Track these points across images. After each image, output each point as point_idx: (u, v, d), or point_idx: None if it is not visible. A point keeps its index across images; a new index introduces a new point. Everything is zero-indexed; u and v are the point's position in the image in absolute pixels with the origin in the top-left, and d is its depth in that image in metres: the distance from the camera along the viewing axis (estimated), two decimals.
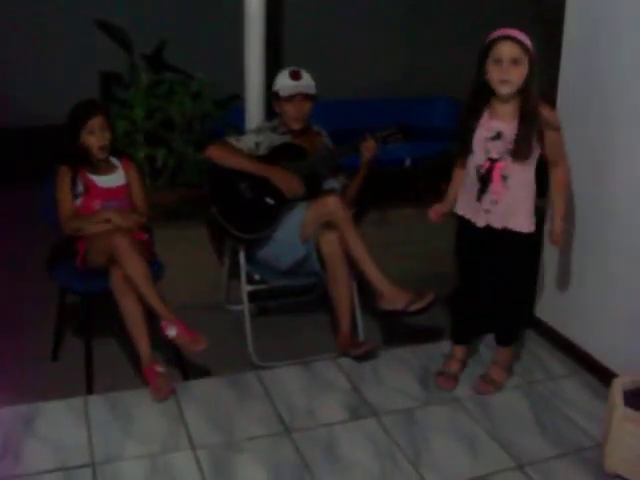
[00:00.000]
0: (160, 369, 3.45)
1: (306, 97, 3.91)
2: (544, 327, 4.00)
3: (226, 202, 3.82)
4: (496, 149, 3.18)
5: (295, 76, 3.90)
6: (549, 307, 3.99)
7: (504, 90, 3.12)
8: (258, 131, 4.00)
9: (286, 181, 3.82)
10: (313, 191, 3.89)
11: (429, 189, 4.71)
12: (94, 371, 3.56)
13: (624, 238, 3.44)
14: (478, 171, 3.24)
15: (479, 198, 3.26)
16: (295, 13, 6.75)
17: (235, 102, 4.76)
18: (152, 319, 3.46)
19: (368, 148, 3.89)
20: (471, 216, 3.32)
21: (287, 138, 3.95)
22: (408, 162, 5.15)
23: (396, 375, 3.66)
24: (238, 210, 3.82)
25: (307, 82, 3.92)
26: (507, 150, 3.16)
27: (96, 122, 3.61)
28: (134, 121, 4.52)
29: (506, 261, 3.38)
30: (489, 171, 3.21)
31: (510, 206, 3.25)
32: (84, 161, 3.66)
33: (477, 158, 3.23)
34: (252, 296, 3.96)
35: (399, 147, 5.04)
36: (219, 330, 4.00)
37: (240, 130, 4.31)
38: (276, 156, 3.88)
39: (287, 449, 3.12)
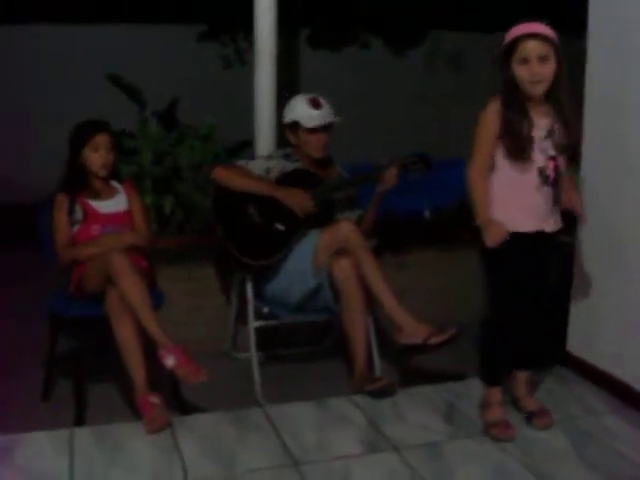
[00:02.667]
0: (155, 400, 3.13)
1: (328, 127, 3.71)
2: (577, 361, 3.66)
3: (233, 226, 3.58)
4: (551, 147, 2.98)
5: (316, 104, 3.69)
6: (580, 340, 3.68)
7: (537, 90, 2.92)
8: (269, 157, 3.79)
9: (296, 198, 3.59)
10: (326, 219, 3.64)
11: (449, 236, 4.53)
12: (86, 406, 3.25)
13: None
14: (542, 173, 2.98)
15: (549, 202, 3.02)
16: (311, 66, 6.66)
17: (246, 149, 4.60)
18: (150, 347, 3.16)
19: (389, 178, 3.63)
20: (536, 225, 3.02)
21: (299, 165, 3.74)
22: (427, 214, 4.91)
23: (418, 411, 3.30)
24: (246, 235, 3.57)
25: (329, 110, 3.72)
26: (557, 147, 2.97)
27: (102, 139, 3.44)
28: (142, 166, 4.35)
29: (551, 265, 3.16)
30: (555, 171, 2.99)
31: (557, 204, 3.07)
32: (83, 186, 3.47)
33: (538, 160, 2.97)
34: (261, 341, 3.66)
35: (418, 198, 4.92)
36: (224, 377, 3.68)
37: None
38: (288, 181, 3.66)
39: None
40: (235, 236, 3.56)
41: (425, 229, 4.71)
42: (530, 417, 3.17)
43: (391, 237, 4.16)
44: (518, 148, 2.94)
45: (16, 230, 4.77)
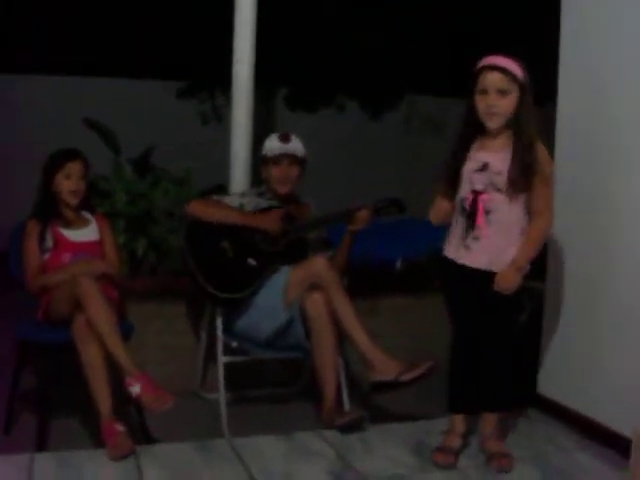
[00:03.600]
0: (120, 427, 3.06)
1: (293, 161, 3.76)
2: (548, 403, 3.63)
3: (205, 260, 3.57)
4: (480, 181, 2.95)
5: (284, 138, 3.77)
6: (552, 382, 3.66)
7: (492, 123, 2.93)
8: (243, 194, 3.83)
9: (267, 219, 3.63)
10: (298, 256, 3.65)
11: (420, 284, 4.55)
12: (48, 434, 3.18)
13: (624, 302, 3.22)
14: (462, 204, 3.00)
15: (464, 234, 3.00)
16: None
17: (220, 193, 4.62)
18: (115, 374, 3.11)
19: (361, 218, 3.66)
20: (454, 254, 3.04)
21: (274, 203, 3.77)
22: (399, 264, 4.93)
23: (387, 445, 3.24)
24: (218, 269, 3.57)
25: (295, 145, 3.78)
26: (491, 182, 2.93)
27: (74, 167, 3.45)
28: (115, 206, 4.35)
29: (491, 309, 3.02)
30: (473, 204, 2.96)
31: (493, 245, 2.96)
32: (54, 214, 3.47)
33: (463, 191, 3.00)
34: (230, 381, 3.61)
35: (389, 248, 4.95)
36: (191, 414, 3.65)
37: None
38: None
39: None
40: (206, 269, 3.55)
41: (396, 277, 4.73)
42: (489, 459, 3.09)
43: (362, 283, 4.16)
44: (445, 173, 3.05)
45: None
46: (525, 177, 2.90)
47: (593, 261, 3.39)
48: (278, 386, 4.06)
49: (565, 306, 3.55)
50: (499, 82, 2.89)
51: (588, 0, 3.46)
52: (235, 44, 4.28)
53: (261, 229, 3.63)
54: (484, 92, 2.91)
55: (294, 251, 3.67)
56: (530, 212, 2.97)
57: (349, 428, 3.32)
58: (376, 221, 3.79)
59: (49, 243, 3.43)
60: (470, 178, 2.97)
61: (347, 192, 4.58)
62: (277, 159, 3.73)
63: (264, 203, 3.76)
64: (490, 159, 2.94)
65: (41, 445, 3.18)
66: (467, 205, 2.98)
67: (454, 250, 3.05)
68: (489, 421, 3.17)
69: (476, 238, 2.97)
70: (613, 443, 3.19)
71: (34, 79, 6.66)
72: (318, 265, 3.51)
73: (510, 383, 3.20)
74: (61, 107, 6.52)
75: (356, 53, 7.32)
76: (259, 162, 3.86)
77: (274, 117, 7.23)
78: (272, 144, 3.78)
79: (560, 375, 3.60)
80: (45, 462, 2.93)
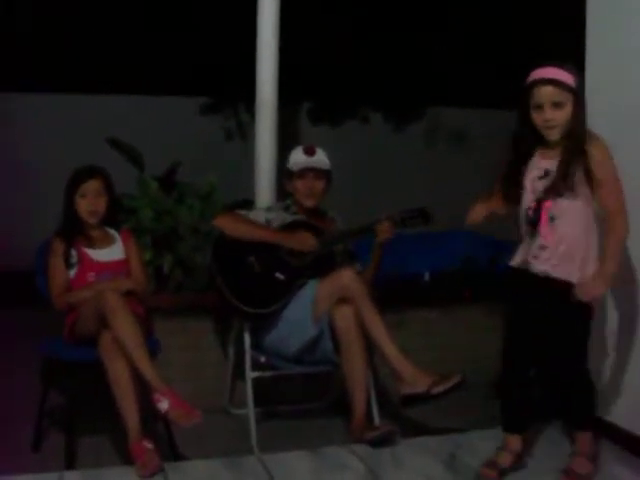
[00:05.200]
0: (148, 445, 3.04)
1: (319, 175, 3.73)
2: (606, 426, 3.44)
3: (233, 275, 3.56)
4: (542, 188, 2.93)
5: (309, 152, 3.75)
6: (607, 403, 3.47)
7: (551, 136, 2.90)
8: (269, 209, 3.82)
9: (299, 239, 3.60)
10: (326, 269, 3.62)
11: (449, 296, 4.50)
12: (76, 453, 3.17)
13: None
14: (527, 214, 2.97)
15: (530, 243, 2.97)
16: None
17: (246, 208, 4.61)
18: (143, 391, 3.10)
19: (384, 230, 3.64)
20: (521, 263, 3.01)
21: (300, 217, 3.75)
22: (427, 276, 4.89)
23: (417, 460, 3.20)
24: (246, 284, 3.55)
25: (321, 158, 3.75)
26: (548, 187, 2.91)
27: (90, 186, 3.46)
28: (141, 222, 4.35)
29: (558, 320, 2.97)
30: (536, 212, 2.93)
31: (559, 251, 2.91)
32: (78, 232, 3.47)
33: (526, 201, 2.97)
34: (258, 396, 3.58)
35: (418, 260, 4.91)
36: (220, 431, 3.63)
37: None
38: (288, 232, 3.67)
39: None
40: (234, 285, 3.53)
41: (424, 289, 4.68)
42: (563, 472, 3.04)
43: (391, 295, 4.12)
44: (504, 189, 3.02)
45: (16, 294, 4.78)
46: (567, 179, 2.87)
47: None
48: (307, 401, 4.02)
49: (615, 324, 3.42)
50: (553, 96, 2.87)
51: (614, 14, 3.41)
52: (258, 62, 4.30)
53: (294, 249, 3.61)
54: (539, 107, 2.89)
55: (321, 264, 3.64)
56: (605, 214, 2.92)
57: (380, 442, 3.28)
58: (402, 232, 3.77)
59: (74, 260, 3.43)
60: (533, 187, 2.95)
61: (371, 205, 4.53)
62: (302, 173, 3.71)
63: (289, 218, 3.73)
64: (549, 165, 2.93)
65: (70, 463, 3.17)
66: (530, 213, 2.95)
67: (521, 259, 3.02)
68: (579, 438, 3.10)
69: (543, 246, 2.94)
70: None
71: (56, 98, 6.69)
72: (346, 278, 3.48)
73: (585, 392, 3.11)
74: (86, 126, 6.55)
75: (379, 65, 7.30)
76: (284, 176, 3.84)
77: (298, 131, 7.21)
78: (297, 158, 3.76)
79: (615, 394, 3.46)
80: None
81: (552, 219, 2.91)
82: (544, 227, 2.92)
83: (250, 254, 3.61)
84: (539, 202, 2.93)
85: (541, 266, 2.94)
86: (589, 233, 2.93)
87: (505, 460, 3.08)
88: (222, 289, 3.52)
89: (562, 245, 2.92)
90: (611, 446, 3.32)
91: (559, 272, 2.92)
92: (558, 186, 2.88)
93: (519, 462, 3.11)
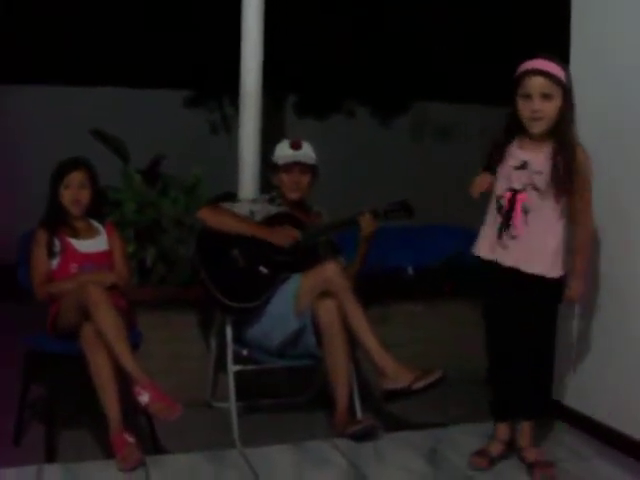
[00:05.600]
0: (129, 438, 3.03)
1: (305, 169, 3.72)
2: (567, 411, 3.56)
3: (217, 269, 3.54)
4: (519, 179, 2.93)
5: (295, 146, 3.73)
6: (569, 390, 3.59)
7: (535, 129, 2.89)
8: (254, 201, 3.80)
9: (280, 234, 3.59)
10: (310, 263, 3.61)
11: (431, 291, 4.51)
12: (57, 446, 3.16)
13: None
14: (498, 202, 2.97)
15: (499, 233, 2.96)
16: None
17: (229, 201, 4.59)
18: (125, 384, 3.08)
19: (367, 223, 3.64)
20: (490, 254, 3.00)
21: (284, 209, 3.74)
22: (411, 270, 4.89)
23: (400, 454, 3.20)
24: (229, 278, 3.53)
25: (307, 152, 3.74)
26: (531, 182, 2.91)
27: (74, 177, 3.44)
28: (124, 214, 4.32)
29: (528, 310, 3.00)
30: (510, 203, 2.93)
31: (530, 245, 2.93)
32: (62, 222, 3.45)
33: (499, 188, 2.97)
34: (240, 390, 3.56)
35: (401, 254, 4.91)
36: (202, 425, 3.62)
37: None
38: (271, 224, 3.66)
39: None
40: (218, 279, 3.52)
41: (408, 283, 4.68)
42: (530, 467, 3.04)
43: (375, 290, 4.13)
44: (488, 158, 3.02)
45: None
46: (568, 178, 2.89)
47: (615, 267, 3.33)
48: (289, 395, 4.01)
49: (584, 314, 3.47)
50: (543, 86, 2.86)
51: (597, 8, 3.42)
52: (242, 53, 4.27)
53: (274, 243, 3.59)
54: (528, 97, 2.88)
55: (305, 258, 3.63)
56: (571, 216, 2.96)
57: (362, 436, 3.28)
58: (385, 225, 3.77)
59: (57, 250, 3.40)
60: (509, 175, 2.95)
61: (357, 199, 4.53)
62: (288, 167, 3.70)
63: (274, 210, 3.72)
64: (529, 157, 2.92)
65: (50, 456, 3.15)
66: (505, 203, 2.95)
67: (489, 248, 3.01)
68: (524, 430, 3.12)
69: (513, 237, 2.94)
70: (634, 451, 3.15)
71: (41, 89, 6.66)
72: (329, 271, 3.48)
73: (546, 388, 3.20)
74: (69, 117, 6.51)
75: (365, 59, 7.30)
76: (269, 168, 3.83)
77: (283, 124, 7.21)
78: (283, 151, 3.74)
79: (577, 382, 3.54)
80: (54, 473, 2.91)
81: (526, 212, 2.92)
82: (517, 218, 2.93)
83: (234, 247, 3.59)
84: (514, 192, 2.93)
85: (509, 257, 2.95)
86: (560, 228, 2.96)
87: (495, 449, 3.10)
88: (206, 283, 3.51)
89: (534, 238, 2.93)
90: (591, 441, 3.35)
91: (529, 266, 2.94)
92: (560, 183, 2.88)
93: (509, 451, 3.12)
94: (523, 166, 2.92)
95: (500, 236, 2.96)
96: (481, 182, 3.02)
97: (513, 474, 3.04)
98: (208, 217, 3.63)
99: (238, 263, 3.58)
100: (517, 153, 2.95)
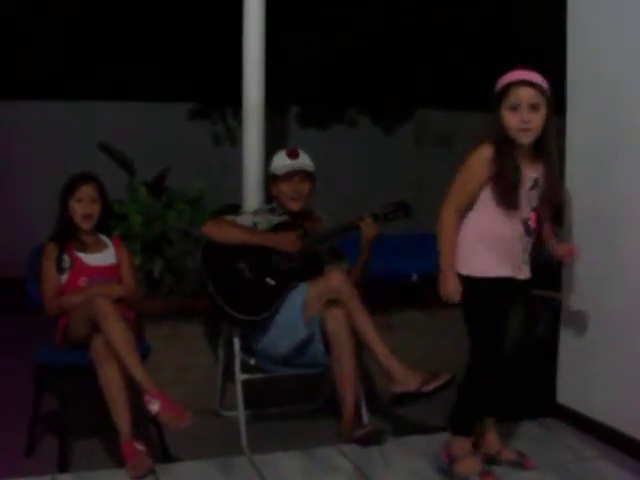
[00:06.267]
0: (139, 447, 3.08)
1: (304, 177, 3.76)
2: (568, 412, 3.61)
3: (224, 282, 3.59)
4: (535, 197, 3.00)
5: (292, 154, 3.79)
6: (571, 391, 3.65)
7: (525, 139, 2.90)
8: (255, 212, 3.85)
9: (283, 239, 3.64)
10: (315, 271, 3.66)
11: (436, 298, 4.54)
12: (69, 456, 3.21)
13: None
14: (525, 223, 2.99)
15: (523, 252, 3.02)
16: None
17: (234, 213, 4.65)
18: (135, 393, 3.13)
19: (368, 227, 3.69)
20: (512, 272, 3.01)
21: (286, 218, 3.79)
22: (415, 277, 4.94)
23: (406, 459, 3.24)
24: (237, 291, 3.58)
25: (305, 161, 3.79)
26: (542, 197, 3.01)
27: (85, 190, 3.49)
28: (131, 228, 4.38)
29: (522, 313, 3.11)
30: (536, 221, 3.02)
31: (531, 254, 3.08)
32: (71, 237, 3.50)
33: (523, 212, 2.98)
34: (248, 398, 3.62)
35: (405, 261, 4.95)
36: (210, 433, 3.67)
37: None
38: (275, 232, 3.71)
39: None
40: (226, 292, 3.57)
41: (412, 291, 4.73)
42: (517, 464, 3.11)
43: (379, 297, 4.17)
44: (509, 197, 2.91)
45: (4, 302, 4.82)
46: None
47: (610, 262, 3.39)
48: (297, 403, 4.06)
49: (583, 315, 3.51)
50: (531, 97, 2.87)
51: (591, 14, 3.47)
52: (244, 65, 4.32)
53: (280, 249, 3.64)
54: (515, 108, 2.87)
55: (310, 266, 3.68)
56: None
57: (368, 440, 3.33)
58: (391, 234, 3.82)
59: (67, 265, 3.46)
60: (528, 197, 2.98)
61: (360, 207, 4.59)
62: (287, 176, 3.75)
63: (275, 219, 3.77)
64: (537, 175, 2.98)
65: (63, 466, 3.21)
66: (532, 224, 3.00)
67: (512, 269, 3.00)
68: (494, 434, 3.18)
69: (526, 251, 3.05)
70: (637, 452, 3.19)
71: (46, 104, 6.73)
72: (336, 280, 3.53)
73: (524, 390, 3.31)
74: (73, 132, 6.59)
75: (366, 68, 7.36)
76: (268, 180, 3.88)
77: (286, 135, 7.27)
78: (281, 161, 3.79)
79: (580, 384, 3.58)
80: None
81: (541, 226, 3.07)
82: (534, 236, 3.03)
83: (240, 259, 3.64)
84: (535, 211, 3.02)
85: (525, 271, 3.04)
86: None
87: (479, 463, 3.07)
88: (214, 296, 3.55)
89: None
90: (594, 442, 3.39)
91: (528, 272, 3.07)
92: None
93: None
94: (535, 184, 2.98)
95: (524, 254, 3.03)
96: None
97: (516, 475, 3.10)
98: (213, 231, 3.68)
99: (245, 275, 3.62)
100: (527, 173, 2.95)
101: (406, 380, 3.36)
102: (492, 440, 3.17)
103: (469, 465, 3.03)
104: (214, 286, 3.57)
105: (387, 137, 7.95)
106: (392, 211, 3.74)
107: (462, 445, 3.05)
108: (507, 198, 2.91)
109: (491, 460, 3.15)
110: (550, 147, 2.95)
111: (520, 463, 3.13)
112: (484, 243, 2.98)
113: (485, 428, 3.16)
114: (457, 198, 2.97)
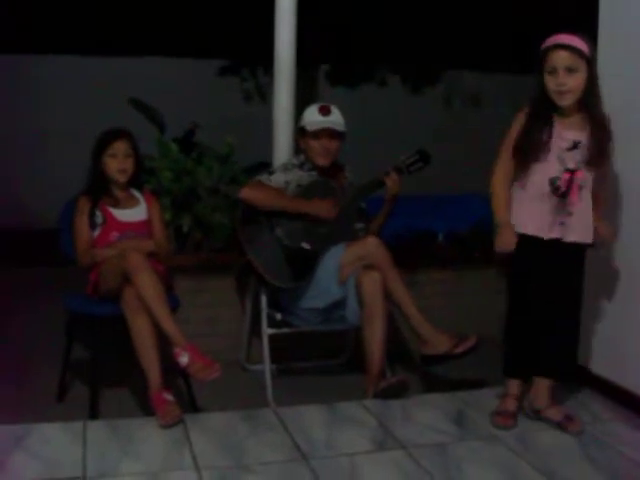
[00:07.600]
0: (169, 396, 3.17)
1: (334, 135, 3.76)
2: (589, 375, 3.66)
3: (262, 249, 3.65)
4: (573, 159, 3.02)
5: (324, 111, 3.76)
6: (593, 354, 3.68)
7: (563, 102, 2.98)
8: (285, 168, 3.84)
9: (321, 207, 3.68)
10: (345, 234, 3.73)
11: (461, 257, 4.59)
12: (99, 404, 3.33)
13: None
14: (553, 183, 3.03)
15: (556, 211, 3.06)
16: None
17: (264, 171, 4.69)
18: (164, 345, 3.22)
19: (392, 181, 3.72)
20: (543, 232, 3.07)
21: (315, 176, 3.80)
22: (441, 237, 4.97)
23: (427, 414, 3.31)
24: (275, 257, 3.64)
25: (336, 118, 3.77)
26: (583, 159, 3.02)
27: (120, 146, 3.54)
28: (161, 183, 4.44)
29: (566, 276, 3.16)
30: (568, 182, 3.03)
31: (586, 218, 3.09)
32: (104, 192, 3.57)
33: (552, 169, 3.03)
34: (274, 353, 3.71)
35: (432, 221, 4.98)
36: (237, 385, 3.77)
37: None
38: (309, 196, 3.73)
39: (304, 475, 2.79)
40: (264, 259, 3.63)
41: (437, 250, 4.76)
42: (560, 426, 3.17)
43: (404, 255, 4.22)
44: (523, 152, 3.04)
45: (35, 253, 4.94)
46: (607, 150, 3.06)
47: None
48: (322, 358, 4.14)
49: (610, 280, 3.53)
50: (567, 60, 2.94)
51: None
52: (276, 23, 4.32)
53: (317, 216, 3.68)
54: (553, 71, 2.96)
55: (341, 228, 3.73)
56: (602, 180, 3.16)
57: (392, 393, 3.41)
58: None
59: (99, 220, 3.52)
60: (561, 157, 3.02)
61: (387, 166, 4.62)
62: (317, 133, 3.73)
63: (305, 177, 3.78)
64: (580, 137, 3.02)
65: (93, 413, 3.31)
66: (562, 184, 3.03)
67: (547, 228, 3.07)
68: (543, 390, 3.24)
69: (570, 213, 3.06)
70: None
71: (75, 60, 6.78)
72: (371, 245, 3.59)
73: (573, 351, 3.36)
74: (105, 87, 6.63)
75: (397, 28, 7.32)
76: (297, 133, 3.89)
77: (316, 93, 7.27)
78: (312, 117, 3.77)
79: (605, 350, 3.61)
80: (97, 429, 3.06)
81: (581, 188, 3.06)
82: (574, 196, 3.04)
83: (275, 225, 3.67)
84: (571, 172, 3.02)
85: (571, 233, 3.08)
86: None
87: (512, 405, 3.23)
88: (254, 264, 3.61)
89: (586, 211, 3.08)
90: (615, 407, 3.44)
91: (578, 236, 3.09)
92: (599, 160, 3.04)
93: (520, 408, 3.26)
94: (575, 146, 3.01)
95: (557, 214, 3.05)
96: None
97: (534, 432, 3.16)
98: (251, 197, 3.68)
99: (282, 241, 3.66)
100: (565, 134, 3.01)
101: (437, 343, 3.47)
102: (539, 396, 3.24)
103: (503, 403, 3.25)
104: (253, 254, 3.63)
105: (416, 97, 7.94)
106: (413, 162, 3.76)
107: (507, 384, 3.26)
108: (521, 153, 3.04)
109: (536, 415, 3.24)
110: (594, 111, 3.00)
111: (563, 425, 3.17)
112: (516, 199, 3.12)
113: (535, 382, 3.25)
114: (501, 160, 3.14)
